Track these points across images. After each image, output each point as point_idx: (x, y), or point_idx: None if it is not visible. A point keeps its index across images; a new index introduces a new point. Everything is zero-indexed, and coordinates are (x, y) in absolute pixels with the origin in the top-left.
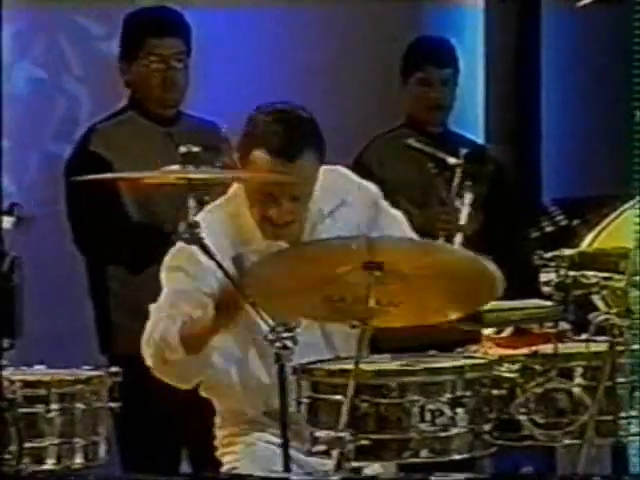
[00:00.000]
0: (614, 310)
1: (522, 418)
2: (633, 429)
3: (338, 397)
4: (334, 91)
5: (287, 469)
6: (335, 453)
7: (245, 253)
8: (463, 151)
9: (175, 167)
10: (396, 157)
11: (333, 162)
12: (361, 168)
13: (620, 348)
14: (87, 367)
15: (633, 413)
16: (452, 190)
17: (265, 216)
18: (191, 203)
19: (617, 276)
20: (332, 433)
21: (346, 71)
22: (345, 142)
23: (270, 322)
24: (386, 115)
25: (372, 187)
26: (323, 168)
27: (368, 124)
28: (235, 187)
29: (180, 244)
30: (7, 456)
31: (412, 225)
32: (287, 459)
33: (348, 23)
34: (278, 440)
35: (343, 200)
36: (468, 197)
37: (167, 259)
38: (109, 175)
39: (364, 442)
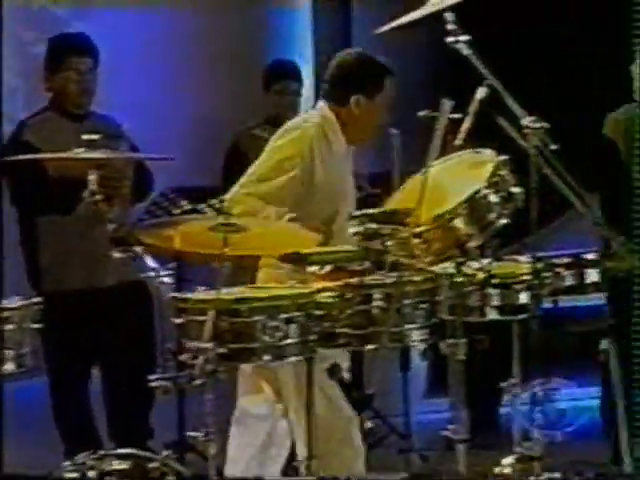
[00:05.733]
0: (402, 253)
1: (338, 331)
2: (414, 337)
3: (203, 317)
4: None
5: None
6: (200, 358)
7: None
8: None
9: (81, 150)
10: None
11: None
12: (235, 153)
13: (405, 280)
14: (18, 297)
15: (414, 325)
16: None
17: (362, 136)
18: (91, 176)
19: (403, 228)
20: (199, 344)
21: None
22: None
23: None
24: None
25: None
26: None
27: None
28: (326, 114)
29: None
30: None
31: None
32: None
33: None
34: None
35: None
36: None
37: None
38: (37, 155)
39: (223, 350)
